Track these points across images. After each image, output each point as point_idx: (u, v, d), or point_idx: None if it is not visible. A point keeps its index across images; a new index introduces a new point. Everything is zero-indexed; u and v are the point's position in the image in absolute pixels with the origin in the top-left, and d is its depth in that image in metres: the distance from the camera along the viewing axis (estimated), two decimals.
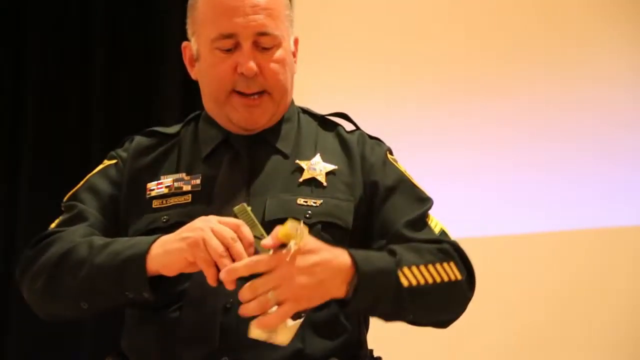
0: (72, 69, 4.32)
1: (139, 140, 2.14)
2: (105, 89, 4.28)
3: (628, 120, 3.69)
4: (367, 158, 2.08)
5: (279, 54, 2.04)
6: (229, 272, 1.74)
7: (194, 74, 2.12)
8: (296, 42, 2.13)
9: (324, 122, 2.15)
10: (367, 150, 2.10)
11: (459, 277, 1.95)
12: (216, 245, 1.77)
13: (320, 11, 4.13)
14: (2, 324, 4.20)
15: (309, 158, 2.06)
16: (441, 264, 1.93)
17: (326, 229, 1.97)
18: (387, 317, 1.91)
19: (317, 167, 2.04)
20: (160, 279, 1.87)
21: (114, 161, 2.12)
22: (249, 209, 1.80)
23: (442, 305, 1.95)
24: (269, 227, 1.81)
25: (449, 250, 1.96)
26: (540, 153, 3.77)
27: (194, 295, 1.92)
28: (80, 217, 2.04)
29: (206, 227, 1.80)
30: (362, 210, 2.02)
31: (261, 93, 2.04)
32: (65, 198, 2.11)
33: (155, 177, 2.06)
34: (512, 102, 3.83)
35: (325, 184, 2.02)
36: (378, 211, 2.03)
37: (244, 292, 1.74)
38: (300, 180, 2.02)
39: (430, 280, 1.90)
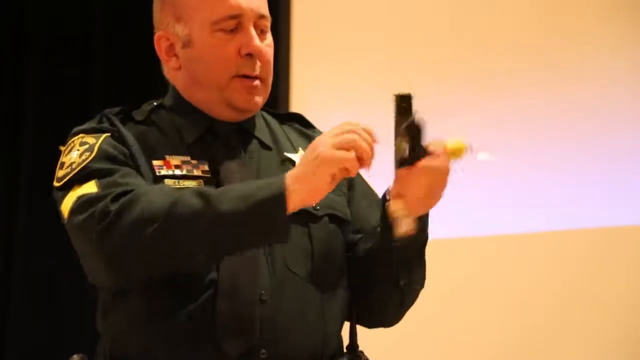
0: (73, 68, 4.33)
1: (115, 118, 2.00)
2: (106, 88, 4.28)
3: (628, 120, 3.69)
4: None
5: (270, 39, 2.04)
6: None
7: (174, 63, 2.04)
8: None
9: (279, 117, 2.14)
10: None
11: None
12: (349, 138, 1.78)
13: (320, 13, 4.14)
14: (2, 324, 4.20)
15: (289, 151, 2.05)
16: None
17: (332, 221, 1.98)
18: (411, 266, 1.96)
19: None
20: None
21: (107, 134, 1.96)
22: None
23: (416, 295, 2.02)
24: None
25: None
26: (540, 153, 3.77)
27: (226, 285, 1.87)
28: (130, 176, 1.88)
29: (327, 139, 1.80)
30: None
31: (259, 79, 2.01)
32: (70, 176, 1.90)
33: (157, 155, 1.95)
34: (511, 101, 3.83)
35: None
36: (351, 206, 2.05)
37: None
38: None
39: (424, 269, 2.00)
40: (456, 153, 1.82)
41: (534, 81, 3.81)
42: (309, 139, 2.08)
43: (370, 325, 2.07)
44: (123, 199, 1.79)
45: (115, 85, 4.26)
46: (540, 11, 3.86)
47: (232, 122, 2.03)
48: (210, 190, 1.82)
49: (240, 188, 1.80)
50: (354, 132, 1.79)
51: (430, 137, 1.84)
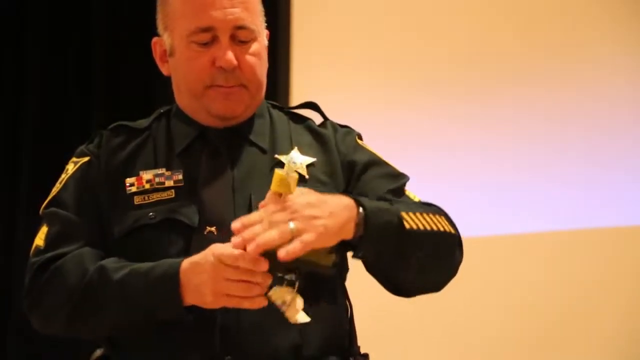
0: (73, 68, 4.33)
1: (109, 135, 2.10)
2: (106, 88, 4.28)
3: (628, 120, 3.70)
4: (340, 148, 2.09)
5: (255, 47, 2.03)
6: (255, 249, 1.74)
7: (165, 69, 2.11)
8: (267, 36, 2.12)
9: (294, 116, 2.15)
10: (340, 140, 2.10)
11: (452, 230, 1.97)
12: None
13: (320, 13, 4.14)
14: (3, 323, 4.20)
15: (287, 152, 2.05)
16: (434, 215, 1.94)
17: None
18: (393, 264, 1.90)
19: (297, 160, 2.04)
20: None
21: (86, 158, 2.08)
22: (292, 175, 1.78)
23: (440, 255, 1.96)
24: None
25: (438, 209, 1.99)
26: (540, 153, 3.77)
27: None
28: (69, 231, 2.00)
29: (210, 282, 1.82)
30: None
31: (238, 86, 2.02)
32: (45, 204, 2.07)
33: (133, 172, 2.03)
34: (513, 102, 3.84)
35: (307, 176, 2.02)
36: (355, 188, 2.03)
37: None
38: None
39: (428, 227, 1.91)
40: (283, 187, 1.77)
41: (536, 82, 3.81)
42: (318, 138, 2.10)
43: (423, 293, 2.04)
44: (42, 278, 1.96)
45: (116, 86, 4.26)
46: (536, 15, 3.87)
47: (227, 128, 2.06)
48: (114, 271, 1.90)
49: (138, 283, 1.88)
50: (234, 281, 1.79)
51: None
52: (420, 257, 1.90)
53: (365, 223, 1.81)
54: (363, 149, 2.11)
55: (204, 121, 2.06)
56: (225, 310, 1.88)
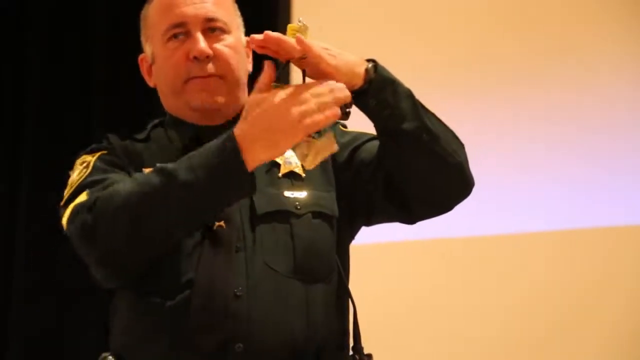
0: (73, 68, 4.33)
1: (115, 138, 2.14)
2: (106, 88, 4.28)
3: (627, 120, 3.70)
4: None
5: (229, 40, 2.09)
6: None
7: (152, 81, 2.17)
8: (248, 44, 2.10)
9: None
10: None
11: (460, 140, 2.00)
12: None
13: (320, 14, 4.14)
14: (4, 320, 4.20)
15: None
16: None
17: (316, 217, 2.02)
18: (407, 123, 1.92)
19: (292, 160, 2.06)
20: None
21: (104, 151, 2.08)
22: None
23: (449, 147, 1.97)
24: (260, 220, 1.93)
25: None
26: (540, 152, 3.77)
27: (201, 284, 1.93)
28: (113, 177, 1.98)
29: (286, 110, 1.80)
30: (342, 186, 2.07)
31: (215, 77, 2.06)
32: (66, 198, 2.01)
33: (149, 165, 2.02)
34: (513, 103, 3.84)
35: (303, 175, 2.06)
36: (354, 164, 2.07)
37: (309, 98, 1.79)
38: (280, 175, 2.05)
39: (436, 118, 1.97)
40: (294, 32, 1.87)
41: (535, 82, 3.82)
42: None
43: (434, 209, 2.14)
44: (97, 203, 1.89)
45: (116, 86, 4.27)
46: (535, 15, 3.87)
47: (219, 125, 2.07)
48: (169, 165, 1.86)
49: (196, 156, 1.84)
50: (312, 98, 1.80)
51: None
52: (433, 124, 1.93)
53: (375, 71, 1.94)
54: (346, 134, 2.14)
55: (191, 119, 2.10)
56: (235, 298, 1.91)
